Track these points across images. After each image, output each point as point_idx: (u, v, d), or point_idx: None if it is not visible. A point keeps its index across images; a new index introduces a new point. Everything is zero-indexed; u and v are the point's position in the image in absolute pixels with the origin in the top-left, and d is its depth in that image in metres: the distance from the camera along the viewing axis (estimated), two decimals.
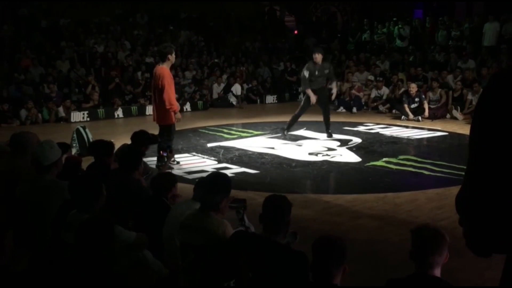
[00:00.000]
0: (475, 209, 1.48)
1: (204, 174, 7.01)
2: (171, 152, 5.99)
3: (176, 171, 7.57)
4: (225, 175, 3.70)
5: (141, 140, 5.60)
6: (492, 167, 1.37)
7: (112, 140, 5.60)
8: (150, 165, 6.11)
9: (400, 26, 18.17)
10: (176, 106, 7.73)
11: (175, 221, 3.60)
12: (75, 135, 8.85)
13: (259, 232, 3.19)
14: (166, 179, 4.32)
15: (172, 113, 7.64)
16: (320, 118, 10.40)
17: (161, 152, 5.82)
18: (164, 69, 7.65)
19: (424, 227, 2.84)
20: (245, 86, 16.43)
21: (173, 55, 7.83)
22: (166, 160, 6.57)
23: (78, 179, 3.74)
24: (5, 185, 4.03)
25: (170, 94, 7.61)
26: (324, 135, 10.41)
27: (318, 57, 9.79)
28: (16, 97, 12.96)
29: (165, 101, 7.53)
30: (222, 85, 15.89)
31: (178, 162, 8.17)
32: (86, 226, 2.98)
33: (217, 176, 3.70)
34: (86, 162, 5.35)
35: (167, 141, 7.61)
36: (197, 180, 4.30)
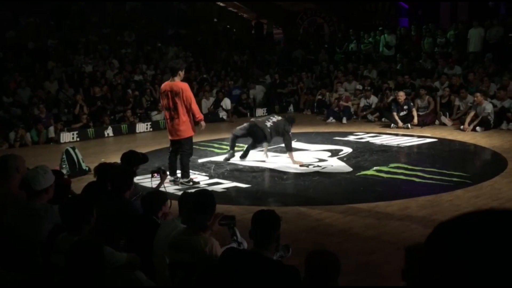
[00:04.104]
0: None
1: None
2: (165, 173, 5.89)
3: (167, 188, 7.51)
4: (209, 193, 3.70)
5: (131, 160, 5.58)
6: None
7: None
8: (140, 184, 6.08)
9: (386, 35, 18.33)
10: (202, 115, 7.95)
11: (163, 240, 3.59)
12: (64, 156, 8.80)
13: (251, 247, 3.19)
14: (156, 197, 4.30)
15: (192, 125, 7.74)
16: (310, 129, 10.38)
17: (154, 174, 5.74)
18: (182, 83, 7.73)
19: (416, 246, 2.86)
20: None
21: (183, 72, 7.98)
22: (160, 181, 6.19)
23: (68, 202, 3.71)
24: None
25: (196, 104, 7.81)
26: (316, 146, 10.47)
27: None
28: (5, 119, 12.91)
29: (194, 111, 7.64)
30: (212, 100, 15.91)
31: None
32: (75, 248, 2.96)
33: (200, 195, 3.65)
34: (76, 183, 5.33)
35: (189, 154, 7.77)
36: (180, 194, 4.27)
